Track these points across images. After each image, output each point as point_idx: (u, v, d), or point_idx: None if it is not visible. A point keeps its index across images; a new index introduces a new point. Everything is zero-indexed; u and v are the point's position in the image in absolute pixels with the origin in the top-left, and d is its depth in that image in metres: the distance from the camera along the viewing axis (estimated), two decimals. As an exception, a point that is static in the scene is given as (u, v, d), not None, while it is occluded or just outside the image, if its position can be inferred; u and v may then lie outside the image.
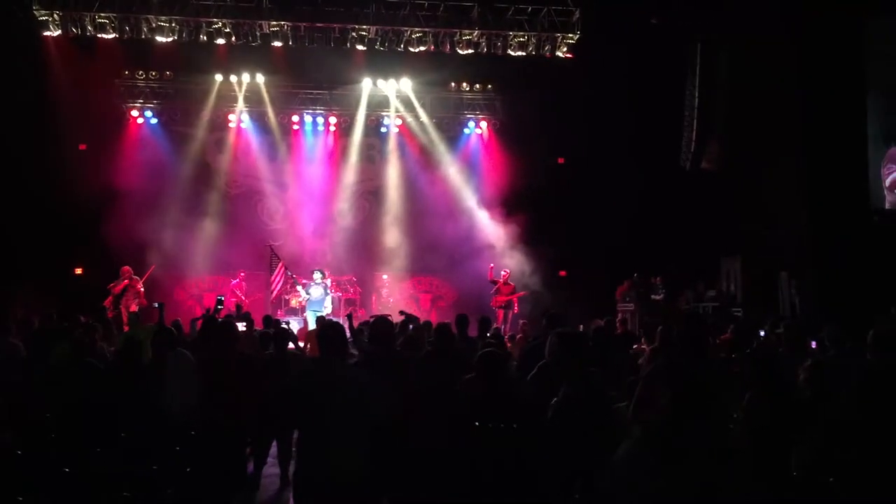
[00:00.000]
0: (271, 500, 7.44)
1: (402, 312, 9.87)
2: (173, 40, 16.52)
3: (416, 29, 16.96)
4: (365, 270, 18.18)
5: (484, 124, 19.41)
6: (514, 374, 7.40)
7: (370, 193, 19.71)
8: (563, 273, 18.26)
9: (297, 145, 19.32)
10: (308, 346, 10.92)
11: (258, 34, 16.82)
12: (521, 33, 17.25)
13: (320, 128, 19.27)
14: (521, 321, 14.88)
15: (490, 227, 18.24)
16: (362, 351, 6.75)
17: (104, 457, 5.55)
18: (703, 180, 17.04)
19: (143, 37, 16.41)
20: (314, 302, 16.05)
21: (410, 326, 9.14)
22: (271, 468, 7.82)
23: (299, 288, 16.74)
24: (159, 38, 16.43)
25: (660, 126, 17.44)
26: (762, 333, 10.14)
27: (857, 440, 4.18)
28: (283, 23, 16.62)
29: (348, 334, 9.89)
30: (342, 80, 18.53)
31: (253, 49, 17.13)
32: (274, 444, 7.85)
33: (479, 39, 17.22)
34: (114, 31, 16.29)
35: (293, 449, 4.90)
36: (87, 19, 16.06)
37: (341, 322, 15.00)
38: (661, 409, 2.62)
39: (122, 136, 17.98)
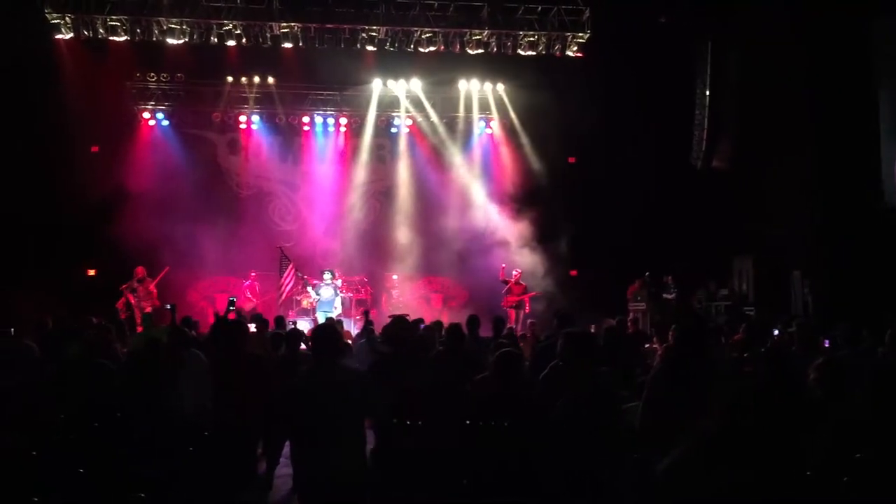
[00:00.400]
0: (283, 500, 7.45)
1: (391, 316, 9.85)
2: (184, 42, 16.61)
3: (426, 29, 16.98)
4: (376, 271, 18.20)
5: (494, 124, 19.38)
6: (527, 374, 7.41)
7: (381, 194, 19.73)
8: (573, 273, 18.22)
9: (308, 146, 19.37)
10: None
11: (268, 36, 16.88)
12: (531, 33, 17.25)
13: (331, 129, 19.29)
14: (529, 321, 14.88)
15: (501, 227, 18.22)
16: (376, 351, 6.76)
17: (117, 457, 5.58)
18: (713, 179, 16.99)
19: (155, 39, 16.50)
20: (324, 303, 16.09)
21: (421, 326, 9.15)
22: (284, 468, 7.83)
23: (309, 289, 16.78)
24: (170, 41, 16.52)
25: (670, 125, 17.40)
26: (775, 332, 10.10)
27: (870, 440, 4.16)
28: (293, 24, 16.68)
29: (356, 330, 9.91)
30: (352, 81, 18.55)
31: (263, 51, 17.20)
32: (287, 444, 7.87)
33: (489, 39, 17.24)
34: (125, 34, 16.38)
35: (295, 451, 4.90)
36: (99, 22, 16.16)
37: (352, 321, 15.06)
38: (715, 419, 2.53)
39: (133, 138, 18.04)
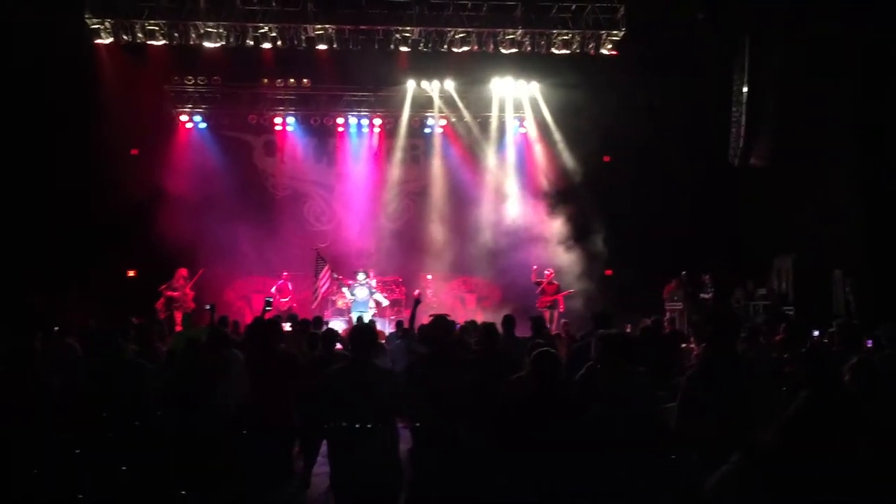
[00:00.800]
0: (321, 498, 7.50)
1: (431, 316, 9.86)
2: (221, 46, 16.79)
3: (460, 29, 16.99)
4: (410, 271, 18.22)
5: (528, 123, 19.30)
6: (563, 375, 7.37)
7: (415, 194, 19.78)
8: (609, 272, 18.09)
9: (343, 147, 19.49)
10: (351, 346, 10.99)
11: (303, 38, 17.01)
12: (565, 31, 17.18)
13: (365, 129, 19.39)
14: (562, 321, 14.81)
15: (535, 227, 18.15)
16: (412, 351, 6.78)
17: (158, 455, 5.67)
18: (752, 177, 16.75)
19: (192, 43, 16.70)
20: (359, 303, 16.20)
21: (457, 327, 9.15)
22: (322, 467, 7.89)
23: (345, 289, 16.89)
24: (207, 44, 16.72)
25: (707, 122, 17.20)
26: (815, 333, 9.94)
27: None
28: (327, 26, 16.79)
29: (390, 330, 9.93)
30: (386, 82, 18.63)
31: (298, 53, 17.35)
32: (324, 443, 7.92)
33: (522, 38, 17.19)
34: (163, 38, 16.62)
35: (330, 448, 4.94)
36: (138, 26, 16.42)
37: (387, 321, 15.13)
38: (774, 437, 2.37)
39: (171, 140, 18.29)
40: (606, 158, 18.60)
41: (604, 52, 17.46)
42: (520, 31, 17.04)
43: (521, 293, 17.05)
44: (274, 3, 16.46)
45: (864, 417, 4.45)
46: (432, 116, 19.22)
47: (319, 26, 16.79)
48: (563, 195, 18.22)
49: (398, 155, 19.63)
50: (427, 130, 19.48)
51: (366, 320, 13.88)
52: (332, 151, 19.55)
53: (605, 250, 17.59)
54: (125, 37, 16.58)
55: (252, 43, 16.88)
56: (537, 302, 16.49)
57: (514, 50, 17.35)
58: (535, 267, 16.91)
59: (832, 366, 5.22)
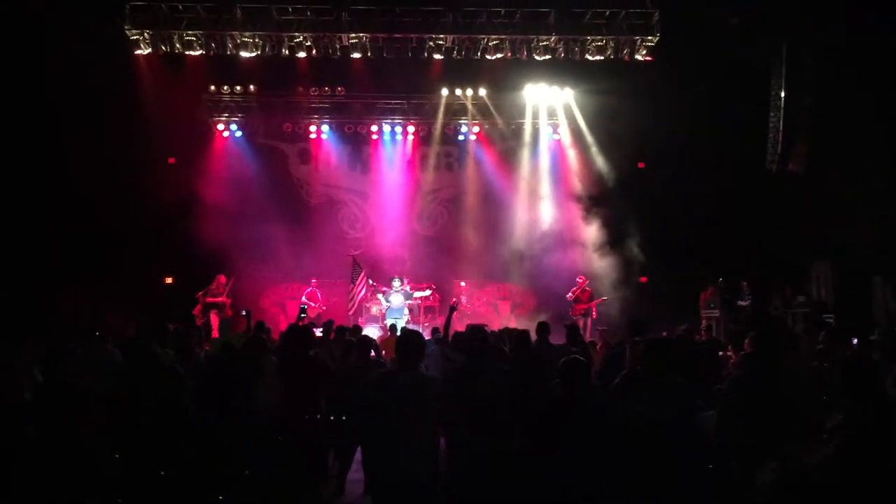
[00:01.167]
0: (355, 503, 7.53)
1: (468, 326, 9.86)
2: (256, 55, 16.98)
3: (493, 36, 17.00)
4: (444, 278, 18.23)
5: (562, 130, 19.23)
6: (595, 382, 7.33)
7: (448, 201, 19.81)
8: (643, 279, 17.95)
9: (377, 155, 19.57)
10: (384, 352, 11.02)
11: (338, 47, 17.14)
12: (599, 37, 17.10)
13: (399, 137, 19.46)
14: (599, 328, 14.73)
15: (570, 234, 18.08)
16: (448, 359, 6.79)
17: (196, 459, 5.73)
18: (790, 182, 16.53)
19: (228, 53, 16.91)
20: (394, 310, 16.26)
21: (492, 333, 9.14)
22: (356, 473, 7.92)
23: (380, 296, 16.97)
24: (243, 54, 16.92)
25: (743, 128, 17.01)
26: (855, 341, 9.76)
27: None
28: (361, 35, 16.90)
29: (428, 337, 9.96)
30: (420, 90, 18.70)
31: (333, 61, 17.47)
32: (359, 449, 7.95)
33: (556, 45, 17.15)
34: (200, 48, 16.85)
35: (369, 455, 4.95)
36: (176, 37, 16.66)
37: (421, 328, 15.19)
38: (825, 455, 2.22)
39: (208, 149, 18.52)
40: (641, 165, 18.46)
41: (638, 57, 17.35)
42: (553, 38, 17.00)
43: (555, 300, 16.99)
44: (309, 13, 16.61)
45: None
46: (466, 123, 19.23)
47: (354, 35, 16.90)
48: (598, 202, 18.12)
49: (432, 162, 19.71)
50: (461, 137, 19.49)
51: (399, 328, 13.93)
52: (366, 159, 19.65)
53: (640, 257, 17.46)
54: (163, 47, 16.84)
55: (287, 52, 17.04)
56: (571, 310, 16.41)
57: (547, 56, 17.31)
58: (576, 286, 16.72)
59: (872, 377, 5.13)
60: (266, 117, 18.81)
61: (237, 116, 18.79)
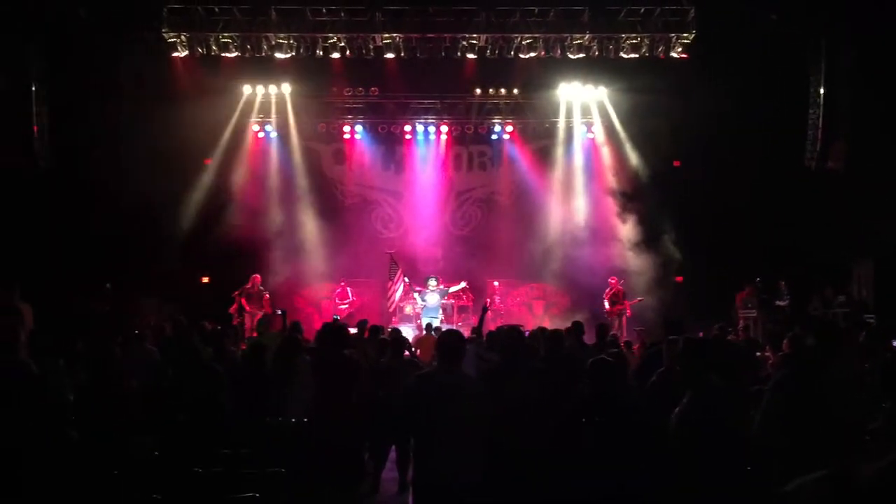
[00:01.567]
0: (390, 501, 7.57)
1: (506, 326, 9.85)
2: (291, 56, 17.11)
3: (527, 35, 16.92)
4: (477, 278, 18.21)
5: (596, 128, 19.10)
6: (629, 381, 7.28)
7: (482, 201, 19.79)
8: (679, 279, 17.78)
9: (410, 154, 19.61)
10: (418, 351, 11.05)
11: (371, 47, 17.20)
12: (634, 35, 16.93)
13: (432, 137, 19.47)
14: (636, 328, 14.62)
15: (604, 233, 17.96)
16: (482, 358, 6.78)
17: (232, 457, 5.80)
18: (829, 180, 16.26)
19: (263, 54, 17.06)
20: (430, 309, 16.30)
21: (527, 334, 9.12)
22: (390, 472, 7.95)
23: (416, 295, 17.01)
24: (278, 55, 17.05)
25: (782, 125, 16.77)
26: (894, 343, 9.57)
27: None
28: (395, 35, 16.93)
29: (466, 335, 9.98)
30: (453, 89, 18.70)
31: (366, 62, 17.53)
32: (393, 448, 7.99)
33: (590, 43, 17.02)
34: (236, 50, 17.00)
35: (411, 455, 4.97)
36: (212, 39, 16.83)
37: (454, 328, 15.22)
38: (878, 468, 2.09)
39: (244, 149, 18.70)
40: (677, 163, 18.28)
41: (673, 55, 17.16)
42: (587, 36, 16.87)
43: (589, 299, 16.92)
44: (343, 14, 16.68)
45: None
46: (499, 123, 19.19)
47: (387, 35, 16.94)
48: (632, 200, 17.98)
49: (465, 161, 19.71)
50: (494, 137, 19.45)
51: (434, 327, 13.97)
52: (399, 159, 19.70)
53: (675, 256, 17.30)
54: (200, 49, 17.03)
55: (321, 53, 17.14)
56: (606, 312, 16.32)
57: (581, 55, 17.18)
58: (609, 287, 16.63)
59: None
60: (301, 117, 18.94)
61: (272, 117, 18.94)
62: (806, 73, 16.68)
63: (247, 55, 17.11)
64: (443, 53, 17.35)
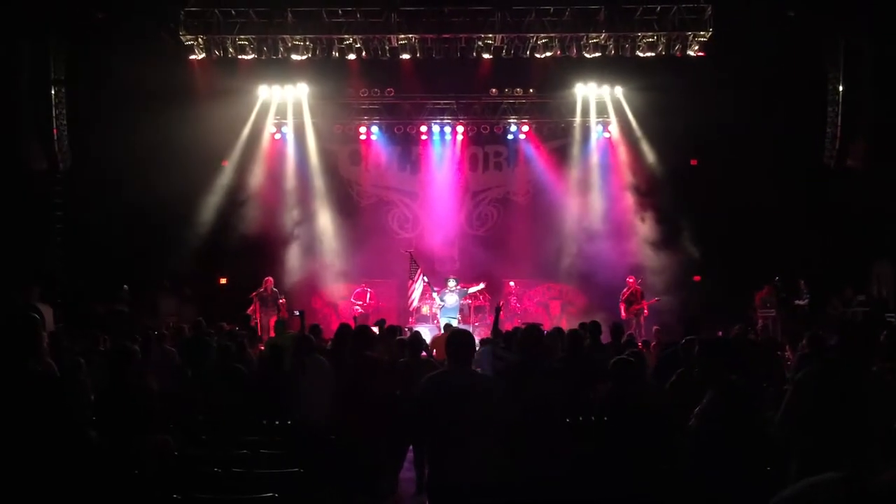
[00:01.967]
0: (408, 502, 7.58)
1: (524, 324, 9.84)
2: (307, 58, 17.17)
3: (542, 35, 16.89)
4: (494, 278, 18.20)
5: (612, 127, 19.03)
6: (649, 380, 7.26)
7: (498, 201, 19.77)
8: (697, 278, 17.69)
9: (426, 155, 19.62)
10: (435, 351, 11.06)
11: (387, 48, 17.23)
12: (650, 33, 16.85)
13: (448, 137, 19.47)
14: (654, 327, 14.56)
15: (621, 232, 17.88)
16: (499, 358, 6.78)
17: (248, 457, 5.83)
18: (849, 179, 16.13)
19: (280, 56, 17.13)
20: (448, 309, 16.30)
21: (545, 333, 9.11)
22: (407, 472, 7.96)
23: (435, 295, 17.02)
24: (294, 57, 17.11)
25: (800, 123, 16.64)
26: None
27: None
28: (410, 36, 16.95)
29: (479, 338, 9.99)
30: (469, 90, 18.70)
31: (382, 63, 17.56)
32: (410, 449, 7.99)
33: (606, 42, 16.96)
34: (252, 52, 17.09)
35: (429, 456, 4.97)
36: (229, 42, 16.92)
37: (471, 328, 15.20)
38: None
39: (261, 151, 18.78)
40: (693, 162, 18.20)
41: (690, 53, 17.07)
42: (603, 35, 16.81)
43: (606, 299, 16.86)
44: (359, 15, 16.73)
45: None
46: (515, 122, 19.16)
47: (403, 36, 16.97)
48: (650, 199, 17.89)
49: (481, 161, 19.71)
50: (510, 136, 19.42)
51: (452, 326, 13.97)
52: (415, 159, 19.72)
53: (693, 256, 17.19)
54: (217, 52, 17.12)
55: (337, 54, 17.19)
56: (623, 312, 16.26)
57: (597, 54, 17.12)
58: (626, 287, 16.59)
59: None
60: (317, 119, 19.00)
61: (288, 119, 19.00)
62: (824, 71, 16.56)
63: (263, 57, 17.18)
64: (458, 54, 17.37)
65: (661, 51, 17.03)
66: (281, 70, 17.69)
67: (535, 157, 19.39)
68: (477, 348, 10.76)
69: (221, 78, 17.24)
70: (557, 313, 18.67)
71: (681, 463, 4.64)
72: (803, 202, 16.33)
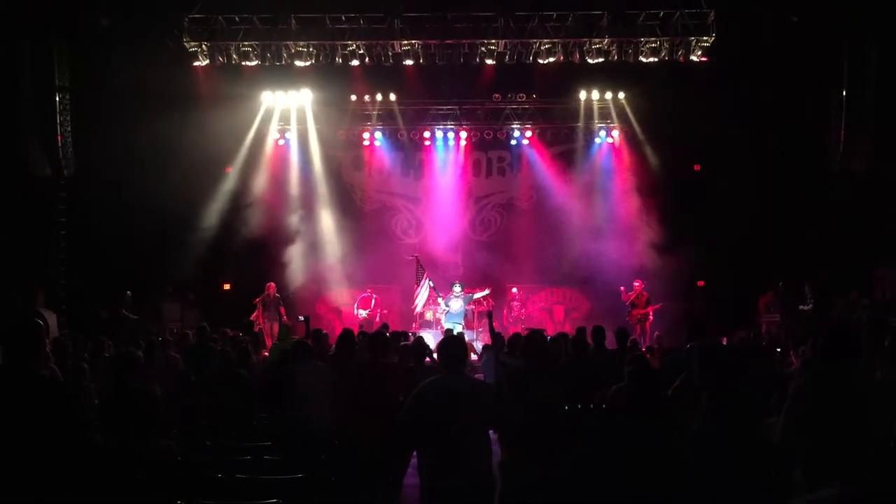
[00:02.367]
0: (411, 508, 7.55)
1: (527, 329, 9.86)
2: (311, 64, 17.19)
3: (545, 40, 16.89)
4: (497, 283, 18.18)
5: (615, 133, 19.03)
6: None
7: (501, 206, 19.77)
8: (701, 283, 17.66)
9: (429, 160, 19.62)
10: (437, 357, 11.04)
11: (390, 54, 17.25)
12: (653, 39, 16.84)
13: (451, 142, 19.49)
14: (656, 333, 14.55)
15: (624, 238, 17.83)
16: (503, 363, 6.77)
17: (253, 462, 5.83)
18: (853, 182, 16.11)
19: (283, 62, 17.16)
20: (453, 315, 16.28)
21: (549, 338, 9.10)
22: (411, 478, 7.94)
23: (440, 300, 17.00)
24: (298, 63, 17.14)
25: (804, 127, 16.63)
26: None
27: None
28: (414, 41, 16.97)
29: (479, 343, 9.99)
30: (472, 95, 18.72)
31: (385, 69, 17.58)
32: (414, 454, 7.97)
33: (609, 47, 16.96)
34: (256, 58, 17.12)
35: (423, 462, 4.96)
36: (233, 48, 16.96)
37: (475, 333, 15.17)
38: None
39: (264, 157, 18.81)
40: (697, 167, 18.19)
41: (693, 58, 17.06)
42: (606, 41, 16.81)
43: (610, 304, 16.83)
44: (362, 21, 16.76)
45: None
46: (518, 128, 19.18)
47: (406, 42, 16.98)
48: (653, 204, 17.87)
49: (484, 167, 19.72)
50: (513, 142, 19.43)
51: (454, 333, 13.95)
52: (418, 165, 19.73)
53: (697, 261, 17.14)
54: (220, 59, 17.15)
55: (341, 60, 17.21)
56: (628, 315, 16.23)
57: (600, 59, 17.11)
58: (622, 288, 16.57)
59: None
60: (320, 124, 19.02)
61: (292, 125, 19.03)
62: (828, 75, 16.54)
63: (267, 63, 17.20)
64: (461, 59, 17.38)
65: (664, 56, 17.01)
66: (284, 76, 17.71)
67: (539, 162, 19.39)
68: (479, 355, 10.76)
69: (225, 84, 17.27)
70: (561, 318, 18.67)
71: (682, 467, 4.63)
72: (807, 206, 16.31)
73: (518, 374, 5.53)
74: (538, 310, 18.83)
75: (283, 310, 16.39)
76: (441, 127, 19.31)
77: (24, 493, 3.72)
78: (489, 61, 17.37)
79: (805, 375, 4.59)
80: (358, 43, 16.93)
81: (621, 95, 18.49)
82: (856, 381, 4.33)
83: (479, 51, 17.19)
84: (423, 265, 17.61)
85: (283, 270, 17.40)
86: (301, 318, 12.54)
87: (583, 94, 18.51)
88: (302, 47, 16.95)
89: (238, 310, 16.20)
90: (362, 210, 19.59)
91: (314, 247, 18.10)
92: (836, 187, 16.34)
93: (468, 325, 16.79)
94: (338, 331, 12.36)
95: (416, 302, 17.32)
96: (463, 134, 19.29)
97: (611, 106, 18.75)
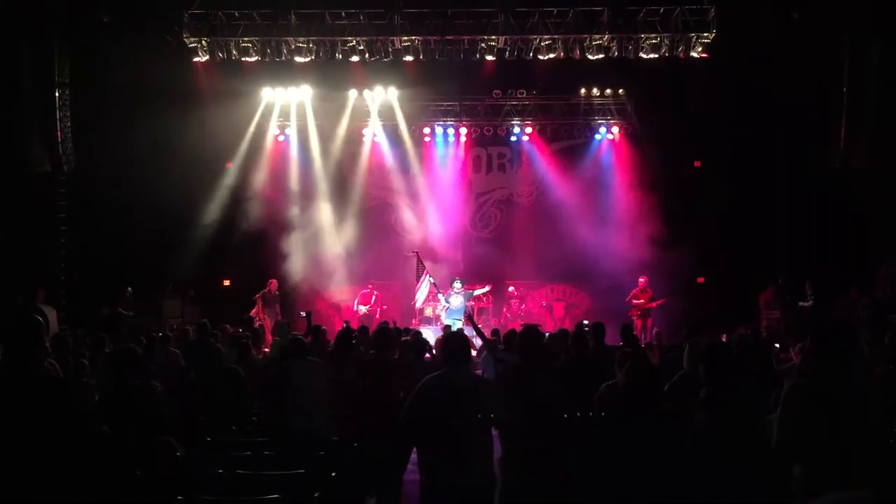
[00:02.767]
0: (411, 505, 7.56)
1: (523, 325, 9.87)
2: (311, 60, 17.18)
3: (546, 36, 16.88)
4: (497, 280, 18.17)
5: (616, 129, 19.03)
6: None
7: (502, 202, 19.77)
8: (701, 280, 17.66)
9: (429, 157, 19.61)
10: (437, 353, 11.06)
11: (390, 50, 17.24)
12: (654, 35, 16.83)
13: (451, 139, 19.48)
14: (655, 330, 14.55)
15: (624, 234, 17.81)
16: (500, 360, 6.77)
17: (253, 459, 5.84)
18: (854, 179, 16.10)
19: (283, 58, 17.15)
20: (453, 311, 16.28)
21: (547, 335, 9.10)
22: (411, 475, 7.95)
23: (440, 297, 17.00)
24: (298, 59, 17.12)
25: (805, 123, 16.62)
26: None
27: None
28: (414, 37, 16.96)
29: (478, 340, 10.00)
30: (472, 91, 18.71)
31: (385, 65, 17.56)
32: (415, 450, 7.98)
33: (609, 44, 16.95)
34: (256, 54, 17.11)
35: (423, 458, 4.96)
36: (233, 44, 16.94)
37: (469, 330, 15.19)
38: None
39: (264, 153, 18.80)
40: (697, 163, 18.19)
41: (694, 55, 17.05)
42: (607, 37, 16.80)
43: (610, 301, 16.82)
44: (362, 17, 16.74)
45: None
46: (518, 124, 19.17)
47: (406, 38, 16.97)
48: (654, 201, 17.86)
49: (485, 163, 19.71)
50: (513, 138, 19.43)
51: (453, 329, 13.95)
52: (418, 161, 19.70)
53: (697, 257, 17.15)
54: (220, 54, 17.13)
55: (341, 56, 17.20)
56: (630, 310, 16.25)
57: (600, 56, 17.11)
58: (637, 286, 16.57)
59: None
60: (320, 120, 19.01)
61: (292, 120, 19.01)
62: (828, 71, 16.53)
63: (267, 59, 17.19)
64: (462, 56, 17.37)
65: (664, 52, 17.01)
66: (284, 72, 17.70)
67: (539, 158, 19.38)
68: (478, 351, 10.76)
69: (225, 80, 17.26)
70: (561, 315, 18.65)
71: (682, 464, 4.63)
72: (808, 203, 16.30)
73: (514, 370, 5.52)
74: (538, 306, 18.82)
75: (278, 307, 16.42)
76: (441, 123, 19.30)
77: (26, 490, 3.72)
78: (489, 57, 17.36)
79: (801, 373, 4.59)
80: (358, 39, 16.91)
81: (621, 92, 18.46)
82: (854, 378, 4.33)
83: (480, 47, 17.18)
84: (423, 261, 17.60)
85: (283, 267, 17.40)
86: (303, 313, 12.56)
87: (583, 91, 18.50)
88: (302, 43, 16.94)
89: (238, 306, 16.20)
90: (362, 206, 19.54)
91: (314, 243, 18.09)
92: (836, 184, 16.33)
93: (467, 322, 16.77)
94: (338, 327, 12.41)
95: (417, 298, 17.32)
96: (463, 130, 19.27)
97: (611, 102, 18.75)
